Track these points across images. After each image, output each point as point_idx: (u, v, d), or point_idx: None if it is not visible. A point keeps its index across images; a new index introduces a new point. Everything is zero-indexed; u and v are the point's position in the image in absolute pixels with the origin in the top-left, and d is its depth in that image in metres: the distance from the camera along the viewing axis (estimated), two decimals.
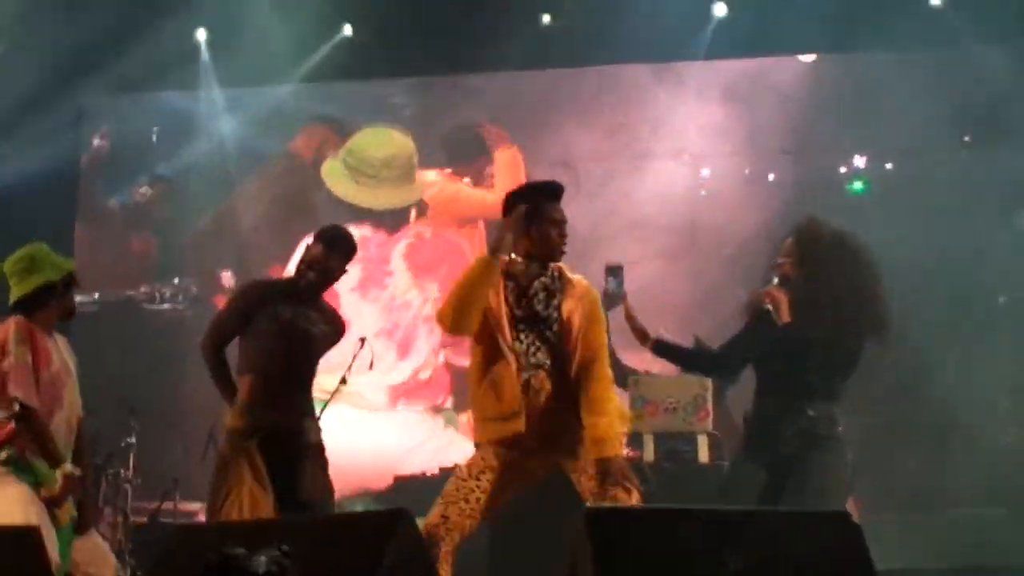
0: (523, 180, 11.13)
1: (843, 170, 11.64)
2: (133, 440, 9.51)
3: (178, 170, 12.33)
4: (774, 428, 5.70)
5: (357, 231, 11.72)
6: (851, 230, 6.03)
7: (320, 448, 6.18)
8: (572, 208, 11.60)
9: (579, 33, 11.41)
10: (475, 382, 5.54)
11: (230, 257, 12.07)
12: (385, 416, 11.26)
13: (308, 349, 6.18)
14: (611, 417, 5.38)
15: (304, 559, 3.89)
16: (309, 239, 6.32)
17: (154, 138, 12.48)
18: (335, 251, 6.22)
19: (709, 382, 7.53)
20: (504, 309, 5.45)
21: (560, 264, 5.56)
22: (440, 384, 11.50)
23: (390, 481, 9.76)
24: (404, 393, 11.51)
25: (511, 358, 5.40)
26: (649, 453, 7.53)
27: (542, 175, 11.54)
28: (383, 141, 12.13)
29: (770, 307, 5.75)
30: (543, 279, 5.51)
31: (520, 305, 5.48)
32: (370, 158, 12.11)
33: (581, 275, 5.62)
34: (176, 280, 12.23)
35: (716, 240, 11.22)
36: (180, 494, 9.71)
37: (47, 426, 5.46)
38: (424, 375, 11.48)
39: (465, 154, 12.07)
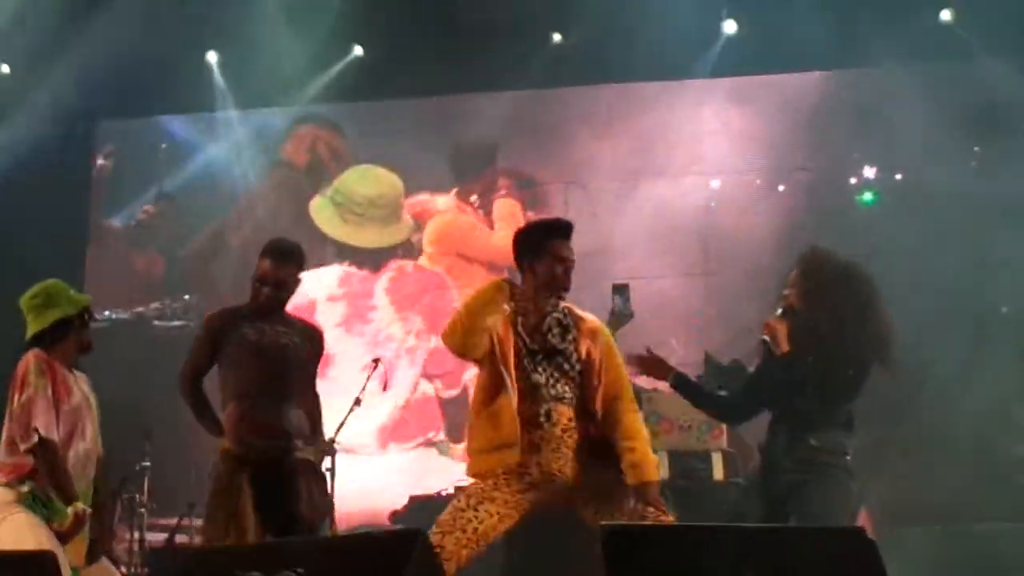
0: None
1: (853, 181, 11.67)
2: (148, 464, 9.52)
3: (184, 188, 12.36)
4: (777, 457, 5.69)
5: (341, 268, 11.95)
6: (855, 259, 5.99)
7: (311, 464, 6.16)
8: (586, 226, 11.74)
9: (590, 52, 11.45)
10: (475, 413, 5.53)
11: (232, 272, 12.08)
12: (378, 460, 11.36)
13: (282, 363, 6.10)
14: (646, 444, 5.46)
15: None
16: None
17: (160, 156, 12.53)
18: (284, 263, 6.21)
19: None
20: (513, 340, 5.45)
21: (567, 303, 5.56)
22: (427, 417, 11.52)
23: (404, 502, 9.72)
24: (392, 434, 11.58)
25: (513, 391, 5.39)
26: (664, 471, 7.51)
27: (555, 194, 11.62)
28: (371, 180, 12.26)
29: (767, 338, 5.72)
30: (556, 315, 5.52)
31: (534, 339, 5.48)
32: (357, 196, 12.24)
33: (589, 311, 5.64)
34: (186, 296, 12.26)
35: (730, 255, 11.24)
36: (195, 517, 9.71)
37: (64, 460, 5.46)
38: (406, 408, 11.54)
39: (473, 167, 12.11)
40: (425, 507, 8.95)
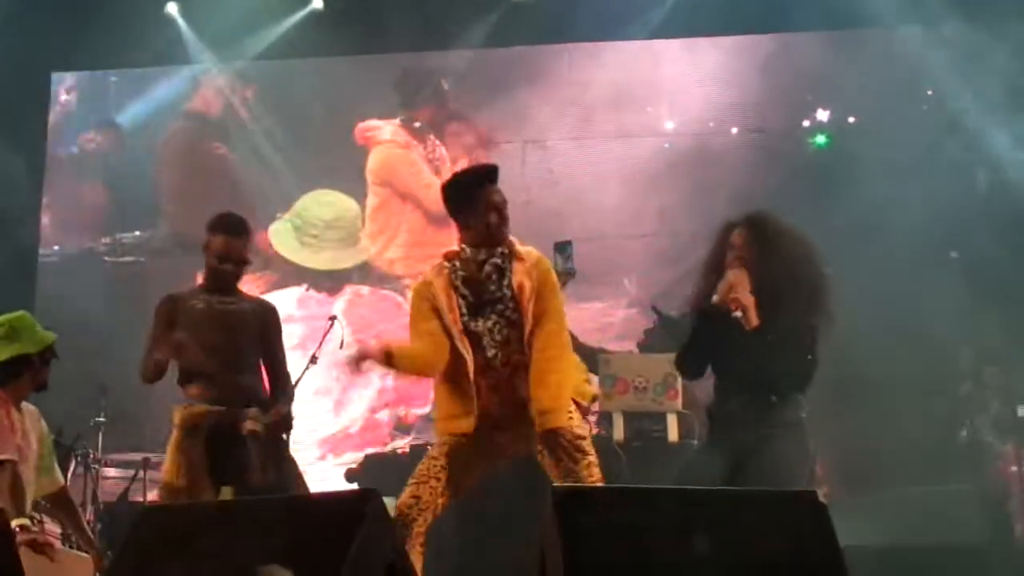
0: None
1: (806, 124, 11.70)
2: (103, 419, 9.47)
3: (136, 125, 12.25)
4: (737, 414, 5.66)
5: (298, 290, 11.94)
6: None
7: (267, 435, 6.14)
8: (542, 185, 11.72)
9: (548, 10, 11.41)
10: (437, 382, 5.56)
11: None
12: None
13: (231, 330, 6.14)
14: (553, 388, 5.35)
15: (273, 540, 3.90)
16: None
17: (112, 92, 12.41)
18: (239, 236, 6.20)
19: None
20: (457, 302, 5.44)
21: (510, 239, 5.51)
22: (372, 437, 11.56)
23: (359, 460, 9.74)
24: (332, 448, 11.60)
25: (468, 357, 5.40)
26: (619, 432, 7.54)
27: (512, 152, 11.59)
28: (329, 203, 12.28)
29: (739, 314, 5.63)
30: (493, 261, 5.47)
31: (474, 292, 5.46)
32: (315, 219, 12.24)
33: (532, 247, 5.58)
34: (137, 232, 12.18)
35: (686, 211, 11.19)
36: (151, 471, 9.67)
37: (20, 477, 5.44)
38: (354, 429, 11.58)
39: (419, 94, 12.11)
40: (380, 464, 8.98)
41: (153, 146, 12.43)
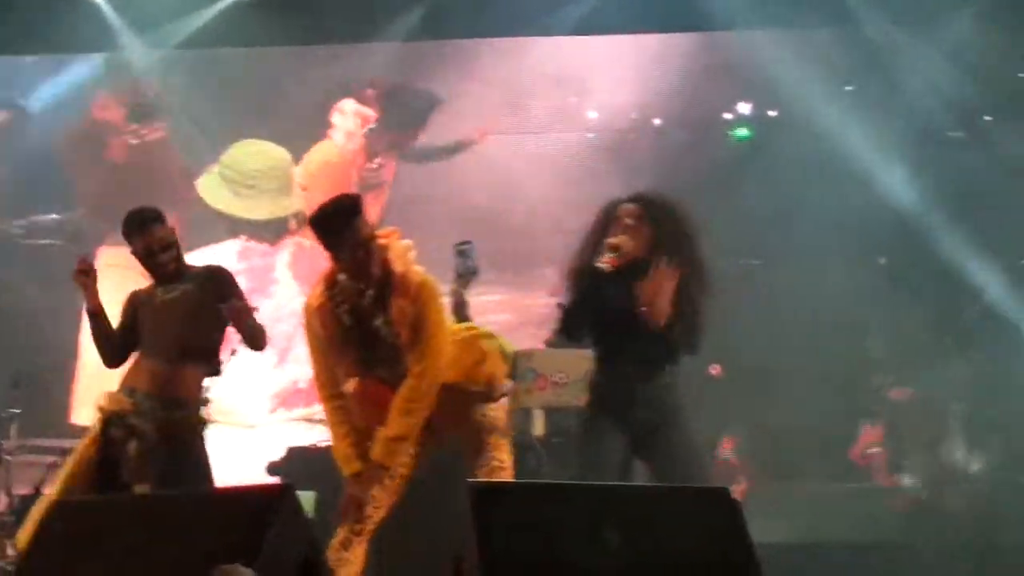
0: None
1: (728, 116, 11.80)
2: (18, 411, 9.36)
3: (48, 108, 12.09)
4: (630, 393, 5.62)
5: (237, 243, 11.82)
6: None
7: (191, 426, 6.10)
8: (471, 180, 11.72)
9: (465, 5, 11.37)
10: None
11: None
12: (263, 430, 11.31)
13: (169, 318, 6.06)
14: (393, 425, 5.39)
15: (188, 536, 3.89)
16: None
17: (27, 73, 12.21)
18: (153, 224, 6.14)
19: None
20: (339, 337, 5.45)
21: (394, 262, 5.47)
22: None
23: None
24: (283, 401, 11.53)
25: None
26: (538, 428, 7.56)
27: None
28: (259, 152, 12.04)
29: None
30: (369, 292, 5.44)
31: (359, 325, 5.46)
32: (248, 170, 11.99)
33: (419, 267, 5.55)
34: (54, 216, 12.01)
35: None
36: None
37: None
38: (302, 384, 11.39)
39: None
40: (303, 459, 8.92)
41: (65, 129, 12.18)
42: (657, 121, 11.73)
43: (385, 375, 5.43)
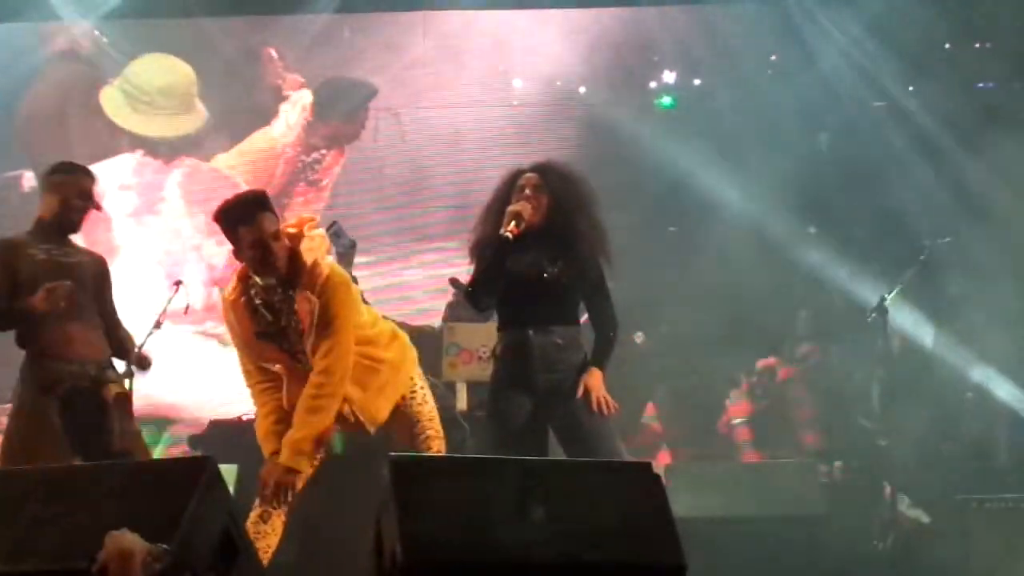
0: None
1: (653, 85, 11.84)
2: None
3: None
4: (535, 354, 5.65)
5: (132, 157, 11.68)
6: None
7: (124, 395, 6.09)
8: (399, 154, 11.68)
9: None
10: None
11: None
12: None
13: (79, 284, 5.95)
14: (301, 425, 5.31)
15: (106, 507, 3.85)
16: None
17: None
18: (88, 175, 6.13)
19: None
20: (256, 331, 5.42)
21: (304, 254, 5.39)
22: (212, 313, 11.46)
23: (204, 426, 9.63)
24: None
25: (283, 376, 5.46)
26: (462, 402, 7.55)
27: (367, 121, 11.54)
28: (162, 68, 11.90)
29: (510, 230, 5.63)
30: (278, 289, 5.39)
31: (275, 321, 5.41)
32: (147, 86, 11.86)
33: (328, 260, 5.49)
34: None
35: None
36: None
37: None
38: (196, 304, 11.32)
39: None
40: (224, 431, 8.89)
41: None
42: (582, 89, 11.75)
43: (307, 367, 5.40)
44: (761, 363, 9.94)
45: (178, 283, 7.26)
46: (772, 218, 10.51)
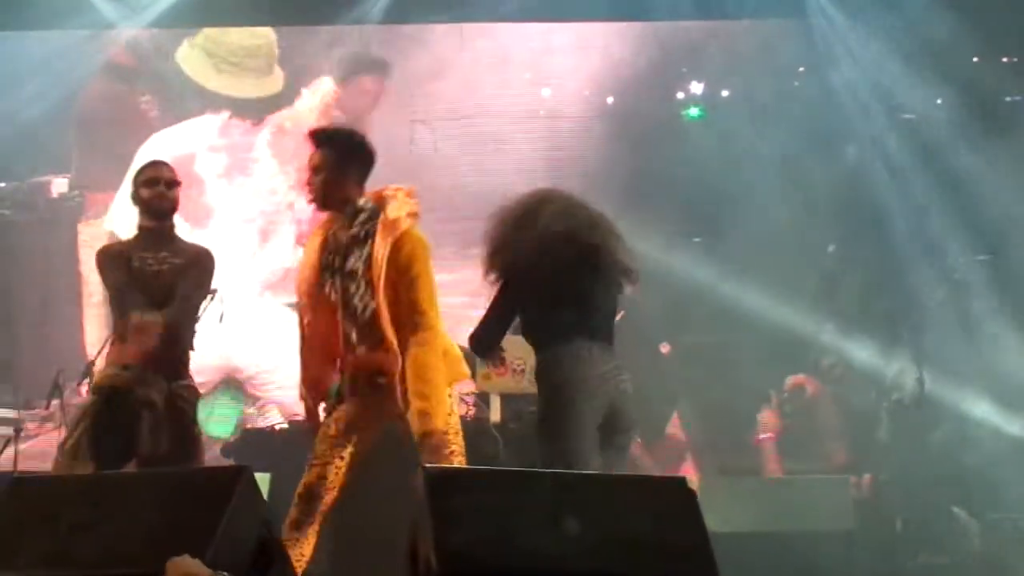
0: None
1: (680, 96, 11.85)
2: None
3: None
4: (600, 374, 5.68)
5: (218, 118, 11.67)
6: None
7: (186, 403, 6.10)
8: (431, 165, 11.71)
9: None
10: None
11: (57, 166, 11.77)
12: (251, 306, 11.25)
13: (158, 291, 6.02)
14: (431, 386, 5.31)
15: (144, 515, 3.89)
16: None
17: None
18: (163, 164, 6.16)
19: None
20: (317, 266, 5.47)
21: (387, 196, 5.45)
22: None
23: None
24: (270, 287, 11.50)
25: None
26: (496, 414, 7.55)
27: (400, 133, 11.58)
28: (246, 30, 11.90)
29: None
30: (353, 230, 5.44)
31: (332, 258, 5.47)
32: (233, 46, 11.83)
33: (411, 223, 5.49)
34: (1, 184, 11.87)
35: (566, 182, 11.20)
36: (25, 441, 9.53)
37: None
38: (289, 264, 11.23)
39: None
40: (257, 439, 8.94)
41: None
42: (610, 100, 11.76)
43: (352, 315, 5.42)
44: (791, 381, 9.91)
45: (213, 292, 7.27)
46: (798, 230, 10.50)
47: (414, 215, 5.45)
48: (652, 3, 10.91)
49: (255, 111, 11.80)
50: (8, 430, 9.32)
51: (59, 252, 11.45)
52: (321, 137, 5.57)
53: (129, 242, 6.24)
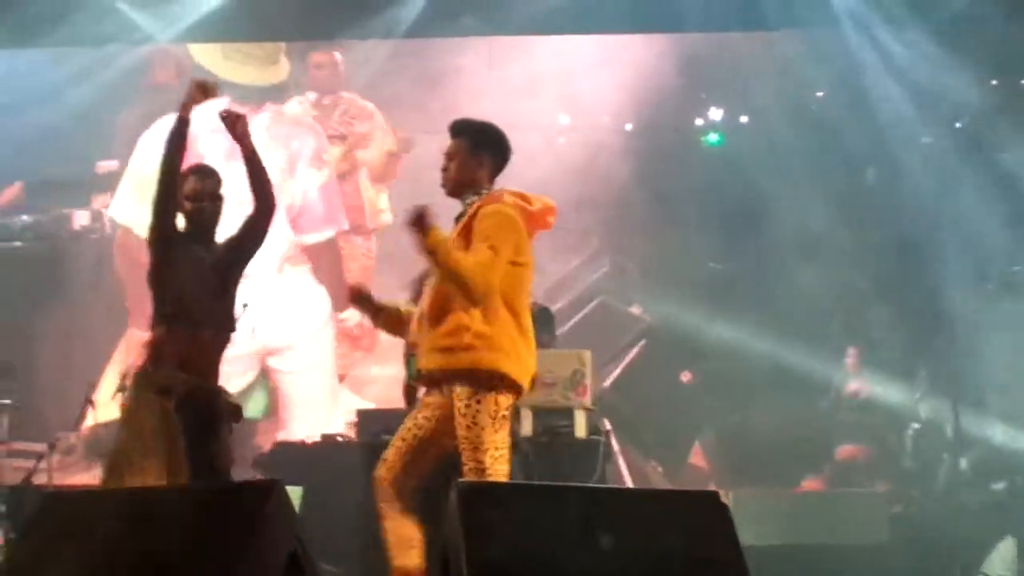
0: None
1: (699, 122, 11.82)
2: (8, 401, 9.37)
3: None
4: None
5: (222, 103, 11.76)
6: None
7: (236, 411, 6.05)
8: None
9: (455, 4, 11.38)
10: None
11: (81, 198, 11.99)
12: (272, 280, 11.54)
13: (212, 287, 5.91)
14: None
15: (176, 529, 3.90)
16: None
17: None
18: (210, 176, 6.11)
19: (588, 357, 7.53)
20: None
21: (499, 192, 5.47)
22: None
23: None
24: (288, 259, 11.84)
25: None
26: (527, 428, 7.53)
27: (433, 143, 11.59)
28: None
29: None
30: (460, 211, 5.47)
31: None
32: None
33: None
34: (24, 216, 11.96)
35: (581, 210, 11.21)
36: (59, 455, 9.59)
37: None
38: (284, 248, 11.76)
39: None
40: (290, 453, 8.94)
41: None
42: (628, 127, 11.76)
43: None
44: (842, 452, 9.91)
45: (243, 305, 7.23)
46: (820, 255, 10.47)
47: (518, 208, 5.45)
48: (684, 15, 10.88)
49: (258, 96, 12.08)
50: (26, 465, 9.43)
51: (80, 286, 11.72)
52: (456, 127, 5.62)
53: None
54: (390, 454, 5.35)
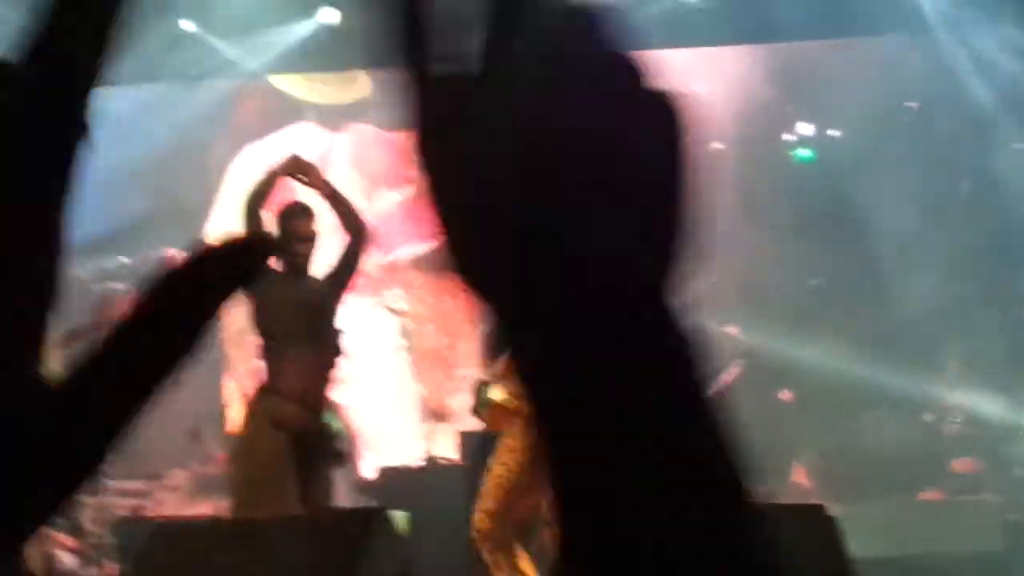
0: None
1: (787, 137, 11.74)
2: None
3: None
4: None
5: (305, 125, 11.86)
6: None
7: (340, 456, 6.11)
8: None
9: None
10: None
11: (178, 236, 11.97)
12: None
13: (319, 322, 5.97)
14: None
15: (286, 558, 3.93)
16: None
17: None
18: (310, 219, 6.15)
19: None
20: None
21: None
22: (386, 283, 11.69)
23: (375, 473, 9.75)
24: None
25: None
26: None
27: None
28: None
29: None
30: None
31: None
32: None
33: None
34: (121, 258, 12.04)
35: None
36: (161, 487, 9.70)
37: None
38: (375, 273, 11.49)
39: None
40: (397, 478, 8.93)
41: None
42: (717, 145, 11.71)
43: None
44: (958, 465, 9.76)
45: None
46: (918, 266, 10.33)
47: None
48: (775, 26, 10.80)
49: (338, 117, 12.08)
50: (133, 501, 9.54)
51: None
52: None
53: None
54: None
